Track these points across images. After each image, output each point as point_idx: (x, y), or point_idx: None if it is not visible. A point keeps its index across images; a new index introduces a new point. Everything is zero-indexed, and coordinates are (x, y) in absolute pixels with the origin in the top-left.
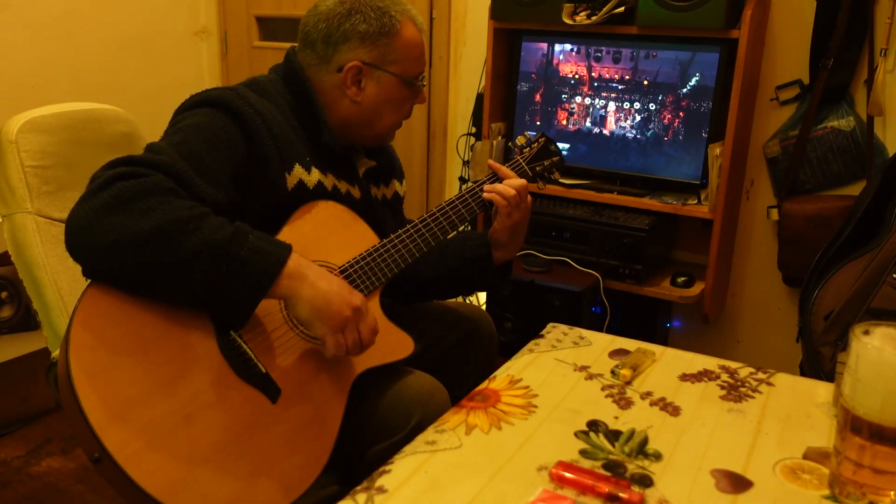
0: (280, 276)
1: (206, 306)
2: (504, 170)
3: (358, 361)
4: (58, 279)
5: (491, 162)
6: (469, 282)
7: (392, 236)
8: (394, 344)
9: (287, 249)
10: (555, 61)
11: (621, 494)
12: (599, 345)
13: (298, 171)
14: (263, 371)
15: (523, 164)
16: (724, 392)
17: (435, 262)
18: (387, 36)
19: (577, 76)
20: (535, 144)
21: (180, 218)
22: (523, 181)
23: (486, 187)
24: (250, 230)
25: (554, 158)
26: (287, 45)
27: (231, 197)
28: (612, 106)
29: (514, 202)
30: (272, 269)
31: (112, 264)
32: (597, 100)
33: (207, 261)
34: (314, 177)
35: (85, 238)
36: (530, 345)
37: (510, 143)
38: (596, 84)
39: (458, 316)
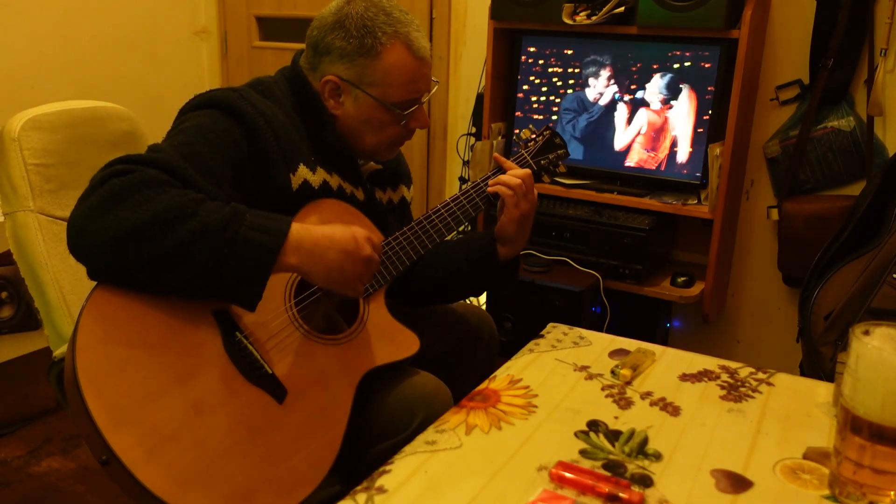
0: (283, 251)
1: (214, 292)
2: (508, 163)
3: (364, 360)
4: (60, 278)
5: (496, 155)
6: (476, 282)
7: (396, 234)
8: (399, 343)
9: (286, 223)
10: (554, 61)
11: (621, 494)
12: (599, 345)
13: (303, 171)
14: (269, 372)
15: (528, 157)
16: (724, 392)
17: (441, 264)
18: (365, 57)
19: (576, 76)
20: (540, 138)
21: (176, 204)
22: (527, 171)
23: (489, 181)
24: (248, 209)
25: (559, 151)
26: (287, 45)
27: (232, 198)
28: (611, 105)
29: (520, 192)
30: (274, 244)
31: (114, 260)
32: (596, 99)
33: (208, 243)
34: (319, 176)
35: (85, 237)
36: (530, 345)
37: (514, 136)
38: (596, 84)
39: (459, 316)
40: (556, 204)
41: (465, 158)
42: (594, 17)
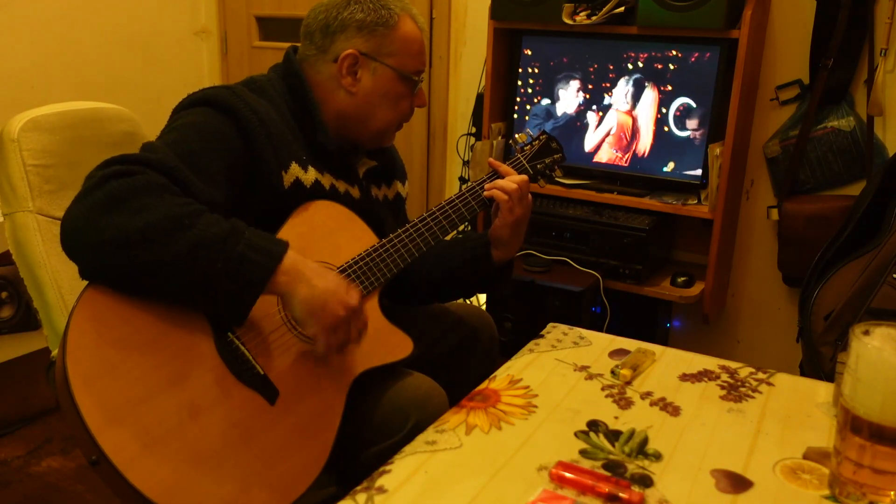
0: (276, 273)
1: (204, 304)
2: (504, 167)
3: (357, 362)
4: (58, 278)
5: (491, 160)
6: (469, 283)
7: (391, 236)
8: (393, 344)
9: (283, 246)
10: (554, 61)
11: (621, 494)
12: (599, 345)
13: (295, 169)
14: (261, 373)
15: (524, 161)
16: (724, 392)
17: (435, 263)
18: (384, 27)
19: (576, 76)
20: (536, 142)
21: (175, 215)
22: (524, 177)
23: (486, 185)
24: (246, 227)
25: (555, 156)
26: (287, 45)
27: (227, 196)
28: (612, 106)
29: (515, 197)
30: (269, 265)
31: (108, 263)
32: (597, 100)
33: (203, 257)
34: (311, 175)
35: (80, 238)
36: (530, 345)
37: (511, 141)
38: (596, 84)
39: (459, 317)
40: (556, 204)
41: (465, 158)
42: (594, 17)
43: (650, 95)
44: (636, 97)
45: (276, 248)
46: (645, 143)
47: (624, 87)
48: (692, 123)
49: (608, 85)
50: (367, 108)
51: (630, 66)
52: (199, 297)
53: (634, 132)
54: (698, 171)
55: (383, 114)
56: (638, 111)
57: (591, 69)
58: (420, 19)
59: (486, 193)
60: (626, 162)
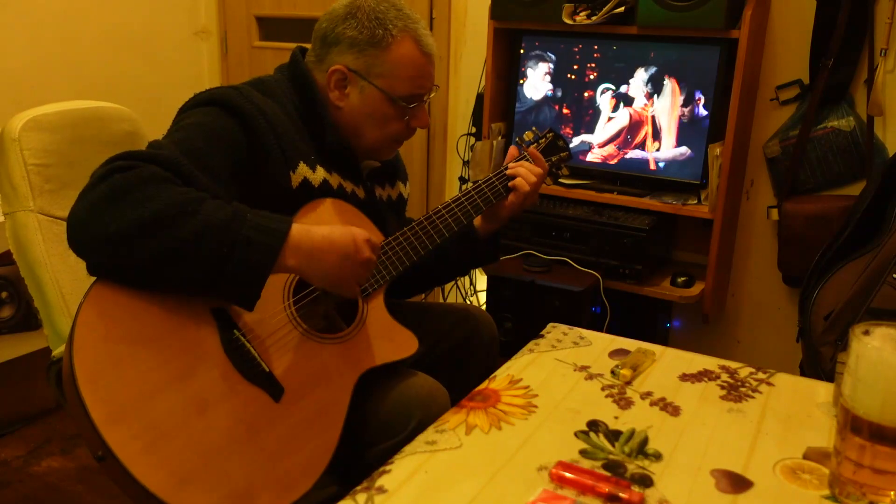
0: (283, 252)
1: (213, 291)
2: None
3: (362, 360)
4: (59, 278)
5: (511, 164)
6: (459, 259)
7: (397, 234)
8: (398, 342)
9: (287, 224)
10: (554, 60)
11: (621, 494)
12: (599, 345)
13: (303, 169)
14: (267, 370)
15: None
16: (724, 392)
17: None
18: (375, 47)
19: (576, 76)
20: (543, 140)
21: (178, 202)
22: (541, 170)
23: (511, 165)
24: (249, 209)
25: (562, 154)
26: (287, 44)
27: (232, 195)
28: (611, 105)
29: (535, 187)
30: (275, 243)
31: (114, 256)
32: (597, 100)
33: (209, 242)
34: (319, 175)
35: (86, 232)
36: (530, 345)
37: (517, 139)
38: (596, 84)
39: (459, 317)
40: (556, 204)
41: (465, 158)
42: (594, 17)
43: (648, 94)
44: (635, 97)
45: (281, 226)
46: (643, 142)
47: (624, 86)
48: (691, 123)
49: (591, 78)
50: (353, 123)
51: (629, 66)
52: (208, 284)
53: (634, 131)
54: (698, 172)
55: (370, 132)
56: (635, 110)
57: (588, 67)
58: (427, 40)
59: (509, 171)
60: (627, 161)
